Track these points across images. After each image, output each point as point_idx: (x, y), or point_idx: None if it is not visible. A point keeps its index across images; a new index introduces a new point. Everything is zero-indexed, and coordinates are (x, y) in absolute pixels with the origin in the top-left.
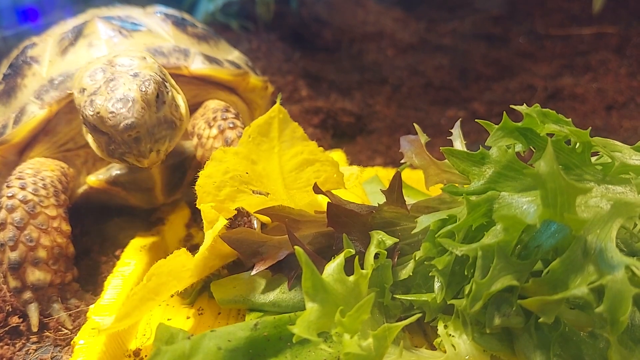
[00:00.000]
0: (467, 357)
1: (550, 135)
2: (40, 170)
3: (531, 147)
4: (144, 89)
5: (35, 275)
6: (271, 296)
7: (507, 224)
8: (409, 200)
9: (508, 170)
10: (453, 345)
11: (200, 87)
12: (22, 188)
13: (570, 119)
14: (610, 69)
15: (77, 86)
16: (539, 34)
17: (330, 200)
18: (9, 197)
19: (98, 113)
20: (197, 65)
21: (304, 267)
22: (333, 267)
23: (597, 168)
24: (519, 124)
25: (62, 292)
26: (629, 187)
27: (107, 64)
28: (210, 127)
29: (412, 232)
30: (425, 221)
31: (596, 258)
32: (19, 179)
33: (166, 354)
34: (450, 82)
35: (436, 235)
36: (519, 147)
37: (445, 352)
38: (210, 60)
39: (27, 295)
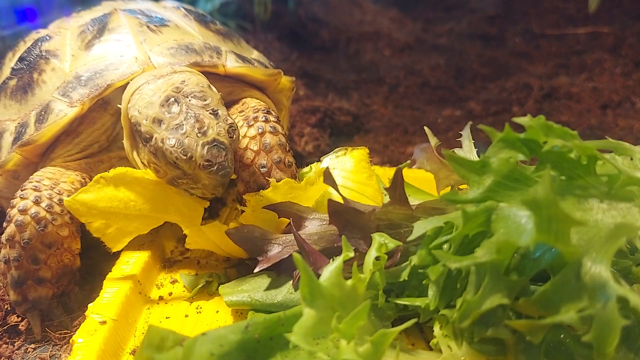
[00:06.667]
0: (462, 358)
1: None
2: (58, 182)
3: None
4: (232, 136)
5: (37, 292)
6: (279, 297)
7: (500, 246)
8: (411, 199)
9: (508, 180)
10: (449, 347)
11: (234, 85)
12: (36, 203)
13: (575, 132)
14: (605, 69)
15: (143, 112)
16: (534, 33)
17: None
18: (21, 212)
19: (191, 157)
20: (232, 64)
21: (302, 272)
22: (331, 270)
23: (602, 180)
24: (522, 135)
25: (62, 298)
26: (633, 203)
27: (176, 92)
28: (249, 126)
29: (407, 240)
30: (421, 228)
31: (589, 284)
32: (35, 190)
33: None
34: (447, 82)
35: (430, 246)
36: (521, 157)
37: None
38: (243, 59)
39: (28, 306)
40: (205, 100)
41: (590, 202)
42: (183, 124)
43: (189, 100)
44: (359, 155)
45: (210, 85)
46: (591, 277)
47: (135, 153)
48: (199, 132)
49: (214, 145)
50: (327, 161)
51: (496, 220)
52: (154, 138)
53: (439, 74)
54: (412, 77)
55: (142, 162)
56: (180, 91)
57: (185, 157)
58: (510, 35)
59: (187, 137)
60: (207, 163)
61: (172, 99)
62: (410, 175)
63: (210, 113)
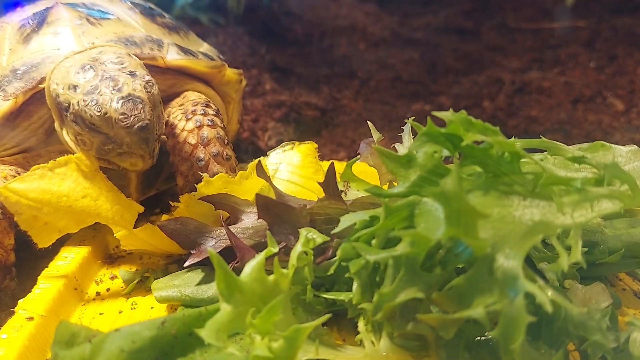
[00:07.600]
0: (384, 354)
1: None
2: None
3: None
4: (149, 90)
5: None
6: (209, 292)
7: (414, 238)
8: (359, 193)
9: (433, 175)
10: (372, 342)
11: (177, 77)
12: None
13: (497, 128)
14: (579, 63)
15: (61, 82)
16: (510, 27)
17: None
18: None
19: (105, 113)
20: (173, 56)
21: (216, 267)
22: (252, 266)
23: (527, 177)
24: (444, 129)
25: None
26: (554, 201)
27: (93, 61)
28: (188, 119)
29: (332, 232)
30: (347, 221)
31: (500, 279)
32: None
33: None
34: (419, 76)
35: (352, 239)
36: (446, 152)
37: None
38: (185, 51)
39: None
40: (123, 64)
41: (511, 199)
42: (98, 85)
43: (105, 66)
44: (305, 150)
45: (131, 55)
46: (503, 272)
47: (64, 131)
48: (114, 89)
49: (130, 99)
50: (274, 155)
51: (419, 214)
52: (71, 104)
53: (412, 68)
54: (385, 71)
55: (70, 139)
56: (96, 60)
57: (100, 114)
58: (486, 29)
59: (101, 95)
60: (122, 116)
61: (88, 66)
62: (360, 169)
63: (127, 74)
